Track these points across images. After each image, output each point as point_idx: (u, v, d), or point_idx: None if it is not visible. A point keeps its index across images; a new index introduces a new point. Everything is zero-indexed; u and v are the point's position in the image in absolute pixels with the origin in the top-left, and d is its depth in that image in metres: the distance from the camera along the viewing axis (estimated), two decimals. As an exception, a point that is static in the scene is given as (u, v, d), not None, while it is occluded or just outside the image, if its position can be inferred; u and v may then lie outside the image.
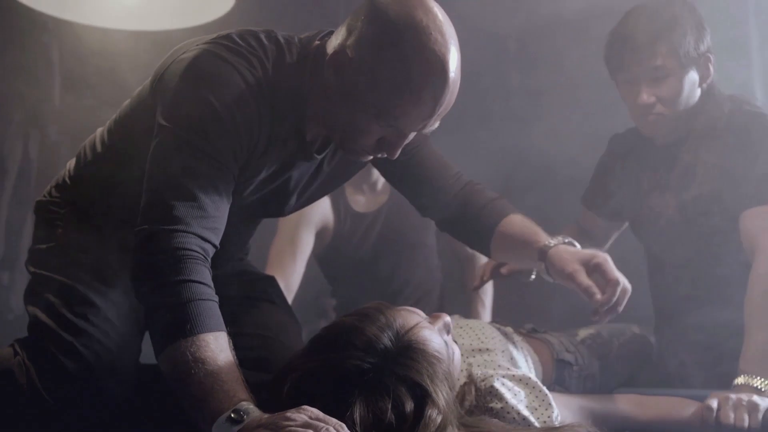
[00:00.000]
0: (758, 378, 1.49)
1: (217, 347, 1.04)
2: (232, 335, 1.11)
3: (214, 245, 1.16)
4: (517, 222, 1.55)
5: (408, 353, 1.05)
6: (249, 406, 0.98)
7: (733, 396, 1.42)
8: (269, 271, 2.04)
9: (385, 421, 0.99)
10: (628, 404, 1.40)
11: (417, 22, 1.17)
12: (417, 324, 1.09)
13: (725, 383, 1.56)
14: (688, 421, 1.41)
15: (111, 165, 1.39)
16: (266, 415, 0.97)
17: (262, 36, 1.28)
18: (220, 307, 1.12)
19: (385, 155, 1.31)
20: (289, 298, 2.04)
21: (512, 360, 1.43)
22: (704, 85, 1.81)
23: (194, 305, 1.07)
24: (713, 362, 1.79)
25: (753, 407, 1.40)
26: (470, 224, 1.59)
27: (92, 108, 2.44)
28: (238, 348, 1.11)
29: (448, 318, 1.17)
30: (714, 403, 1.41)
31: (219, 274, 1.22)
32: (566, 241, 1.50)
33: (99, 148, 1.42)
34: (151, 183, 1.18)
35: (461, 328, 1.51)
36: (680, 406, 1.43)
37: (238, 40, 1.25)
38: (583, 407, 1.34)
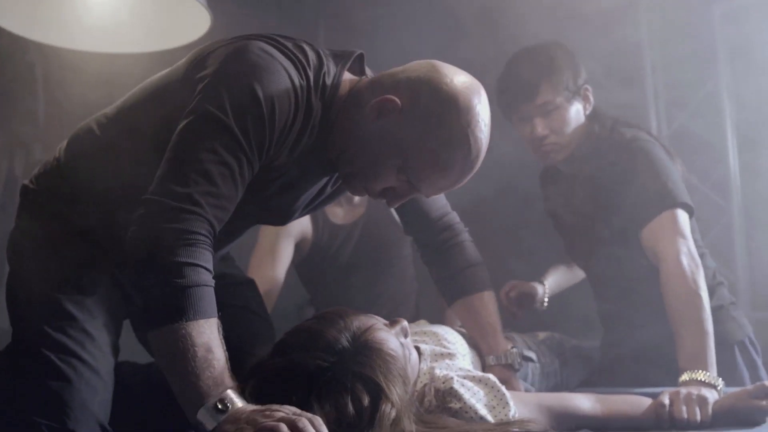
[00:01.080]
0: (700, 371, 1.59)
1: (211, 334, 1.08)
2: None
3: (216, 233, 1.16)
4: (481, 308, 1.65)
5: (364, 352, 1.12)
6: (234, 397, 1.05)
7: (683, 390, 1.49)
8: (250, 272, 2.11)
9: (348, 416, 1.06)
10: (584, 401, 1.46)
11: (474, 112, 1.24)
12: (373, 326, 1.17)
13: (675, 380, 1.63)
14: (643, 417, 1.46)
15: (113, 155, 1.35)
16: (249, 408, 1.03)
17: (305, 45, 1.28)
18: None
19: (384, 201, 1.33)
20: (270, 306, 2.10)
21: (472, 363, 1.50)
22: (588, 111, 2.04)
23: (198, 291, 1.08)
24: (653, 365, 1.89)
25: (703, 401, 1.47)
26: (444, 279, 1.69)
27: (75, 126, 2.49)
28: None
29: (405, 323, 1.24)
30: (666, 399, 1.48)
31: None
32: (505, 363, 1.60)
33: (99, 136, 1.39)
34: (176, 155, 1.15)
35: (426, 334, 1.58)
36: (635, 403, 1.49)
37: (284, 41, 1.25)
38: (541, 405, 1.40)
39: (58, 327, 1.30)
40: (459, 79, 1.25)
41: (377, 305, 2.39)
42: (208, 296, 1.10)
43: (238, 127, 1.15)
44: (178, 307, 1.06)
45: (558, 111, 1.99)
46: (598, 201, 2.00)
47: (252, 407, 1.04)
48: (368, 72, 1.41)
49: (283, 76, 1.19)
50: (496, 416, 1.28)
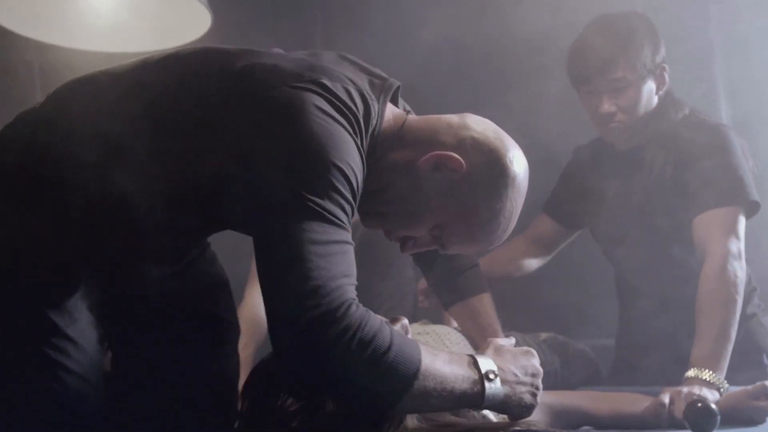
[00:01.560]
0: (707, 371, 1.58)
1: (426, 352, 1.05)
2: None
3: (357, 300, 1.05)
4: (482, 310, 1.65)
5: None
6: (482, 359, 1.11)
7: (684, 390, 1.50)
8: (252, 280, 2.09)
9: (351, 414, 1.06)
10: (584, 399, 1.47)
11: (523, 195, 1.23)
12: None
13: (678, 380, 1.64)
14: (642, 415, 1.48)
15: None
16: (508, 360, 1.14)
17: (352, 89, 1.14)
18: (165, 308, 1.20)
19: (398, 244, 1.28)
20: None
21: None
22: (661, 93, 1.94)
23: (396, 343, 1.01)
24: (672, 362, 1.88)
25: (703, 402, 1.48)
26: (441, 283, 1.68)
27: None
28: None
29: (405, 321, 1.24)
30: (666, 398, 1.49)
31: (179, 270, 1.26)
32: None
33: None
34: (283, 268, 1.01)
35: (427, 333, 1.58)
36: (635, 401, 1.50)
37: (334, 91, 1.11)
38: (541, 403, 1.39)
39: (39, 338, 1.18)
40: (518, 156, 1.23)
41: (375, 305, 2.39)
42: (399, 336, 1.04)
43: (332, 205, 1.04)
44: (403, 373, 1.01)
45: (630, 89, 1.88)
46: (661, 184, 1.93)
47: (506, 356, 1.14)
48: (403, 104, 1.34)
49: (349, 141, 1.09)
50: (497, 414, 1.29)
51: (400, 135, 1.21)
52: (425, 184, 1.19)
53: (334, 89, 1.10)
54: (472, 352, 1.56)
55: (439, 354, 1.07)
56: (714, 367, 1.59)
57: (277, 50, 1.23)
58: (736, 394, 1.51)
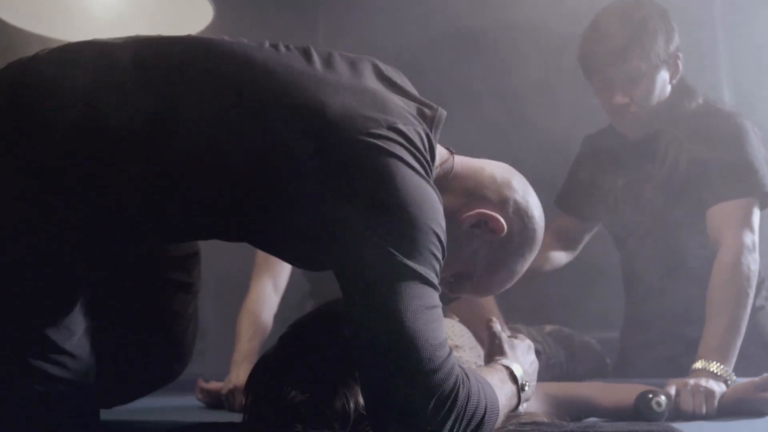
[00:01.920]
0: (715, 363, 1.57)
1: (493, 386, 1.08)
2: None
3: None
4: (484, 303, 1.67)
5: None
6: (516, 367, 1.17)
7: (690, 382, 1.49)
8: (258, 273, 2.10)
9: (358, 410, 1.05)
10: (590, 391, 1.46)
11: (537, 251, 1.27)
12: None
13: (685, 372, 1.63)
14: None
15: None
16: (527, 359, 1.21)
17: (421, 132, 1.08)
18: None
19: None
20: (278, 296, 2.10)
21: (480, 356, 1.51)
22: (674, 81, 1.91)
23: (487, 398, 1.01)
24: (679, 354, 1.87)
25: (709, 394, 1.47)
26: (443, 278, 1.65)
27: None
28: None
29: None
30: (672, 390, 1.48)
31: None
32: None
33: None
34: (399, 341, 0.95)
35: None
36: (639, 392, 1.50)
37: (411, 138, 1.05)
38: (547, 394, 1.40)
39: (39, 356, 1.15)
40: (540, 213, 1.26)
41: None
42: (483, 389, 1.02)
43: (431, 272, 1.00)
44: (491, 425, 1.03)
45: (644, 79, 1.84)
46: (673, 175, 1.91)
47: (518, 352, 1.20)
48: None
49: (436, 198, 1.05)
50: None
51: (447, 180, 1.20)
52: (461, 236, 1.18)
53: (410, 136, 1.05)
54: (475, 343, 1.56)
55: (494, 382, 1.09)
56: (722, 360, 1.58)
57: (317, 66, 1.12)
58: (743, 385, 1.51)
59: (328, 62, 1.13)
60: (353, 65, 1.15)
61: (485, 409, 1.00)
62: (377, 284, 0.97)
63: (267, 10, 3.09)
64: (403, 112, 1.08)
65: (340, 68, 1.13)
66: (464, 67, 2.86)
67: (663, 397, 1.38)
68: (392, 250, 0.96)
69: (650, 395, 1.39)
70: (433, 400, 0.94)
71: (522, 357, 1.21)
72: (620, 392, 1.48)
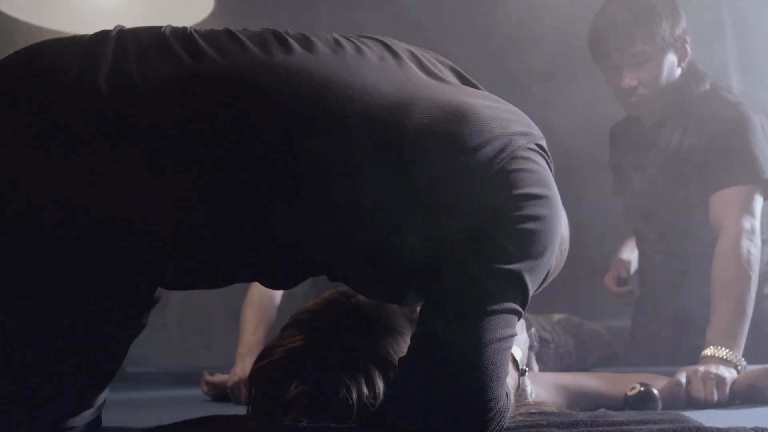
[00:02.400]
0: (724, 349, 1.56)
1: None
2: None
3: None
4: None
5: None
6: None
7: (701, 369, 1.48)
8: None
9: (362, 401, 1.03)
10: (600, 380, 1.45)
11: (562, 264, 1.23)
12: (377, 303, 1.12)
13: (695, 358, 1.62)
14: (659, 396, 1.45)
15: None
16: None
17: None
18: None
19: None
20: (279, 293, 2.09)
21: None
22: (683, 65, 1.95)
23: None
24: (687, 336, 1.87)
25: (720, 380, 1.46)
26: None
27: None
28: None
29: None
30: (683, 378, 1.46)
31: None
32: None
33: None
34: (474, 366, 0.89)
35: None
36: (651, 382, 1.48)
37: (548, 152, 1.00)
38: (558, 384, 1.39)
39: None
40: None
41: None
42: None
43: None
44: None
45: (650, 62, 1.90)
46: (676, 160, 1.94)
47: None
48: None
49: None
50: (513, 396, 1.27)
51: None
52: None
53: (548, 150, 1.00)
54: None
55: None
56: (731, 345, 1.57)
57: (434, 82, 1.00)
58: (754, 372, 1.49)
59: (426, 69, 1.01)
60: (473, 84, 1.05)
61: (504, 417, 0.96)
62: (480, 309, 0.90)
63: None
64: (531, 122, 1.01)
65: (446, 75, 1.02)
66: (472, 57, 2.83)
67: (637, 385, 1.37)
68: (525, 271, 0.91)
69: (641, 388, 1.37)
70: (475, 420, 0.91)
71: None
72: (628, 382, 1.46)
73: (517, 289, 0.91)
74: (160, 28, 1.00)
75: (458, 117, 0.92)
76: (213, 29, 1.01)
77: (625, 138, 2.15)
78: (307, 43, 0.98)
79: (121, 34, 0.99)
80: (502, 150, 0.91)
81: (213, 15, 1.99)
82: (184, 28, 1.00)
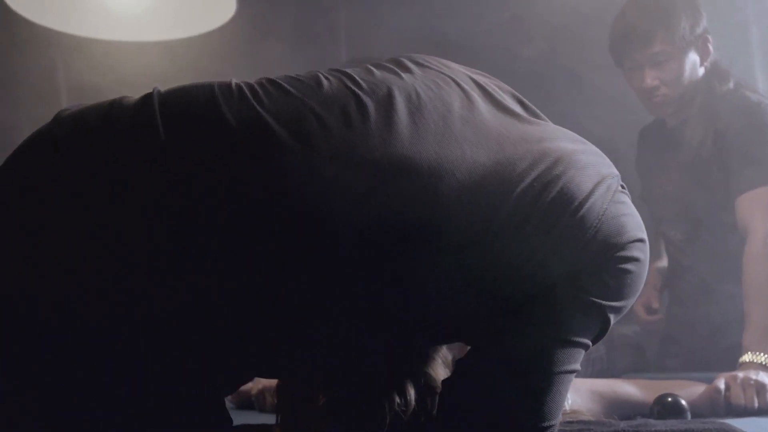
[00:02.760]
0: (762, 354, 1.54)
1: None
2: None
3: None
4: None
5: None
6: None
7: (740, 375, 1.44)
8: None
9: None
10: (634, 387, 1.41)
11: None
12: None
13: (731, 362, 1.58)
14: (697, 403, 1.41)
15: None
16: None
17: None
18: None
19: None
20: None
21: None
22: (706, 64, 1.94)
23: None
24: (719, 340, 1.85)
25: (761, 387, 1.42)
26: None
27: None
28: None
29: None
30: (722, 384, 1.42)
31: None
32: None
33: None
34: (539, 398, 0.88)
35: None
36: (688, 389, 1.44)
37: None
38: (593, 391, 1.35)
39: None
40: None
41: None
42: None
43: None
44: None
45: (671, 62, 1.90)
46: (701, 160, 1.93)
47: None
48: None
49: None
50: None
51: None
52: None
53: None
54: None
55: None
56: None
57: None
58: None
59: (498, 104, 0.96)
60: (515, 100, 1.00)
61: None
62: (564, 338, 0.89)
63: (287, 5, 3.06)
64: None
65: (513, 105, 0.98)
66: (499, 53, 2.80)
67: (680, 399, 1.33)
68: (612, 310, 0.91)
69: (668, 398, 1.33)
70: None
71: None
72: (665, 389, 1.42)
73: (600, 326, 0.91)
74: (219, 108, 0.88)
75: (561, 174, 0.89)
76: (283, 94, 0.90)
77: (651, 140, 2.13)
78: (387, 115, 0.88)
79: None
80: (604, 198, 0.90)
81: (234, 18, 1.97)
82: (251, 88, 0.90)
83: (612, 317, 0.91)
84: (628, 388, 1.41)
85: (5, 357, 0.85)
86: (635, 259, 0.90)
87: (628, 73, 1.98)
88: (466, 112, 0.92)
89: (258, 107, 0.87)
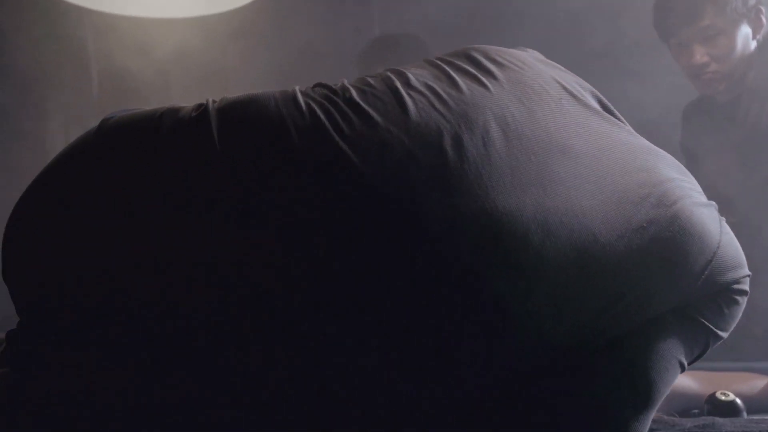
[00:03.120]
0: None
1: None
2: None
3: None
4: None
5: None
6: None
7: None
8: None
9: None
10: (693, 380, 1.35)
11: None
12: None
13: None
14: (758, 396, 1.35)
15: None
16: None
17: None
18: None
19: None
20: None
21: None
22: (759, 37, 1.85)
23: None
24: None
25: (830, 379, 1.35)
26: None
27: (131, 98, 2.43)
28: None
29: None
30: (788, 378, 1.36)
31: None
32: None
33: None
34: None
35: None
36: (749, 382, 1.38)
37: None
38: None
39: None
40: None
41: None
42: None
43: None
44: None
45: (722, 36, 1.82)
46: (754, 139, 1.86)
47: None
48: None
49: None
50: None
51: None
52: None
53: None
54: None
55: None
56: None
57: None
58: None
59: (588, 107, 0.88)
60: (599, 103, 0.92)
61: None
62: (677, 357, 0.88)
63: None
64: None
65: (595, 105, 0.90)
66: (522, 38, 2.72)
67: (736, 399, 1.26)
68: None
69: (722, 396, 1.27)
70: None
71: None
72: (726, 382, 1.36)
73: (702, 351, 0.89)
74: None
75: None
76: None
77: (698, 118, 2.05)
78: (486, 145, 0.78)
79: None
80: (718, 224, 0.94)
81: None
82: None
83: (713, 344, 0.91)
84: (686, 381, 1.34)
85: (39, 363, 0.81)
86: (745, 293, 0.90)
87: (675, 49, 1.90)
88: (563, 136, 0.81)
89: (338, 138, 0.76)
